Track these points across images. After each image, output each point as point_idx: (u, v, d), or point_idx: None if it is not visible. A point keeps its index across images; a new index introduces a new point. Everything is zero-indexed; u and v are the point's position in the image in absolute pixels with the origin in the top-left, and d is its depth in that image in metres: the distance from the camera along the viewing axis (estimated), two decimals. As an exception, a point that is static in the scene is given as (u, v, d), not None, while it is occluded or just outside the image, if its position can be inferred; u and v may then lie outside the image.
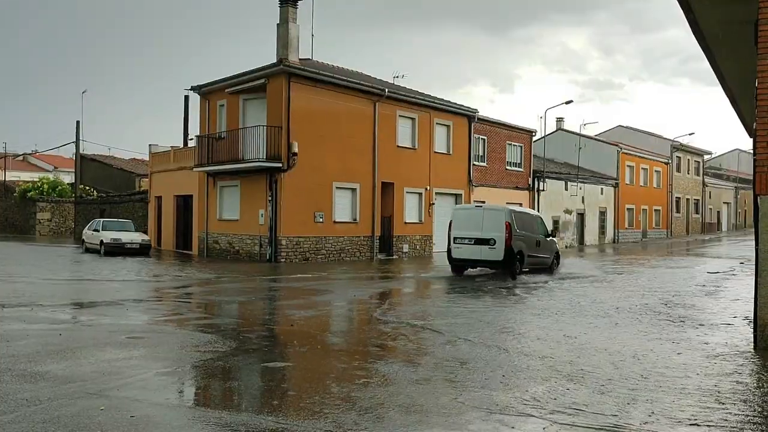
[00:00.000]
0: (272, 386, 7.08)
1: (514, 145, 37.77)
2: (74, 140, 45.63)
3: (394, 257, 29.19)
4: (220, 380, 7.11)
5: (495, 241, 19.72)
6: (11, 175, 67.68)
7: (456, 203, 33.28)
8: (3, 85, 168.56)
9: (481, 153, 35.12)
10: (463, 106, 33.47)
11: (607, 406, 6.06)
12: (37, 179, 51.99)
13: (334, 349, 8.97)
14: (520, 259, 20.25)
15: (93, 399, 6.00)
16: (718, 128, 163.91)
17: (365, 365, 7.89)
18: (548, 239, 22.99)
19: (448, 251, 20.94)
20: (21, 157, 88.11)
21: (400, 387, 6.75)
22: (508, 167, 37.24)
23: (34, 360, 7.54)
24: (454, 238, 20.59)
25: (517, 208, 23.32)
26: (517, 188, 37.80)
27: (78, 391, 6.23)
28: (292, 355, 8.74)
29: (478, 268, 21.31)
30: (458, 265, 20.96)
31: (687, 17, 10.78)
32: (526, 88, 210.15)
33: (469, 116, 33.68)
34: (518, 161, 38.16)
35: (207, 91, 29.10)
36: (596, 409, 5.96)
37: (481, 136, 34.98)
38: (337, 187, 27.01)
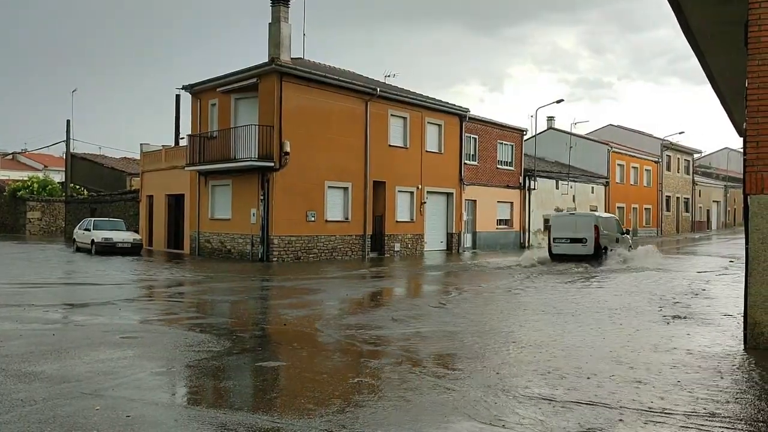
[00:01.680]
0: (266, 385, 7.10)
1: (505, 144, 37.87)
2: (65, 139, 45.46)
3: (386, 256, 29.24)
4: (215, 379, 7.13)
5: (587, 240, 25.14)
6: (1, 174, 67.38)
7: (447, 202, 33.42)
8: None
9: (472, 152, 35.20)
10: (454, 105, 33.54)
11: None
12: (27, 178, 51.75)
13: (327, 348, 9.00)
14: (604, 252, 25.31)
15: (88, 399, 6.02)
16: (707, 127, 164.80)
17: (359, 364, 7.93)
18: (623, 236, 28.02)
19: (549, 248, 26.31)
20: (10, 156, 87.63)
21: (393, 386, 6.79)
22: (499, 166, 37.34)
23: (28, 360, 7.53)
24: (554, 239, 26.07)
25: (601, 214, 29.55)
26: (508, 187, 37.92)
27: (73, 391, 6.24)
28: (285, 354, 8.76)
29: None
30: (557, 259, 25.52)
31: (677, 17, 10.87)
32: (517, 87, 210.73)
33: (460, 115, 33.76)
34: (509, 160, 38.26)
35: (198, 91, 29.05)
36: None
37: (472, 135, 35.06)
38: (329, 186, 27.02)
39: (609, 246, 25.80)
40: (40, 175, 59.57)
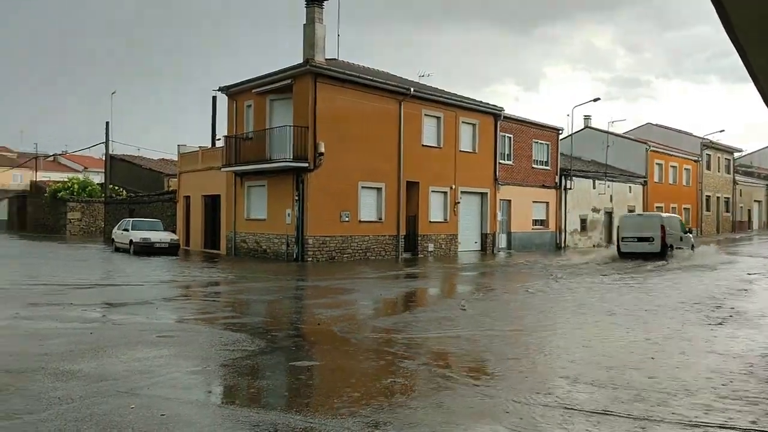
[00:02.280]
0: (300, 385, 7.14)
1: (540, 143, 37.57)
2: (104, 141, 46.18)
3: (419, 256, 29.19)
4: (249, 379, 7.18)
5: (654, 239, 26.63)
6: (42, 176, 68.80)
7: (481, 202, 33.26)
8: (34, 87, 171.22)
9: (507, 151, 34.98)
10: (488, 104, 33.38)
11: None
12: (68, 179, 52.75)
13: (361, 348, 9.01)
14: (670, 250, 26.68)
15: (124, 397, 6.11)
16: (748, 126, 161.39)
17: (393, 364, 7.92)
18: (686, 235, 29.57)
19: (618, 247, 27.91)
20: (51, 158, 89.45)
21: (427, 388, 6.78)
22: (534, 165, 37.05)
23: (67, 358, 7.67)
24: (622, 238, 27.64)
25: (665, 215, 30.32)
26: (543, 186, 37.60)
27: (109, 390, 6.34)
28: (319, 353, 8.80)
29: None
30: (625, 257, 26.85)
31: (718, 13, 10.64)
32: (552, 87, 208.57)
33: (495, 114, 33.57)
34: (545, 159, 37.95)
35: (234, 92, 29.33)
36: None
37: (507, 135, 34.84)
38: (362, 187, 27.07)
39: (674, 244, 27.29)
40: (80, 176, 60.61)
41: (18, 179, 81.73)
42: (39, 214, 52.38)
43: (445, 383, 6.95)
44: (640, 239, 26.91)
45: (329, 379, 7.36)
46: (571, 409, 6.01)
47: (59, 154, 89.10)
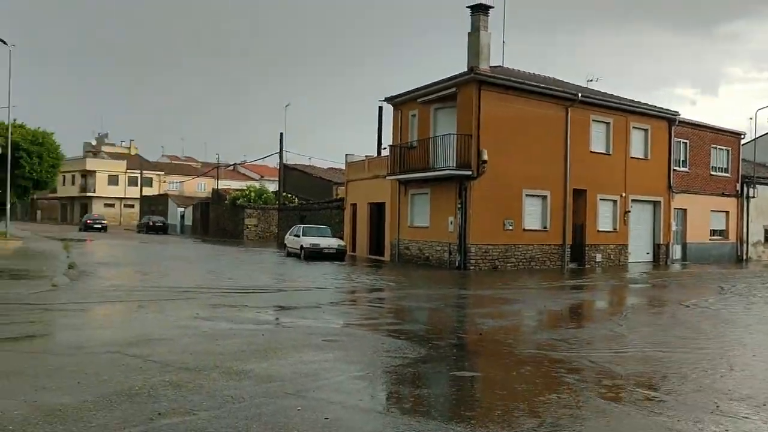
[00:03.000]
0: (461, 395, 7.12)
1: (719, 148, 35.23)
2: (278, 151, 48.63)
3: (586, 267, 28.26)
4: (411, 386, 7.24)
5: None
6: (223, 184, 73.68)
7: (654, 211, 31.77)
8: (216, 102, 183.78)
9: (682, 158, 33.12)
10: (662, 108, 31.78)
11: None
12: (245, 187, 56.13)
13: (523, 361, 8.83)
14: None
15: (291, 399, 6.36)
16: None
17: (556, 378, 7.70)
18: None
19: None
20: (232, 167, 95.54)
21: (592, 404, 6.53)
22: (712, 173, 34.79)
23: (240, 358, 8.11)
24: None
25: None
26: (723, 195, 35.20)
27: (277, 391, 6.63)
28: (480, 364, 8.74)
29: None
30: None
31: None
32: (732, 88, 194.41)
33: (668, 119, 31.90)
34: (724, 166, 35.53)
35: (399, 102, 29.91)
36: None
37: (682, 140, 32.99)
38: (526, 195, 26.64)
39: None
40: (257, 184, 64.27)
41: (202, 187, 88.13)
42: (220, 220, 56.05)
43: (611, 402, 6.66)
44: None
45: (491, 390, 7.27)
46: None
47: (238, 164, 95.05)
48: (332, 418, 5.79)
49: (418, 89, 28.13)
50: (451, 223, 25.94)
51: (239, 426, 5.47)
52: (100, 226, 61.07)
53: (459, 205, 25.51)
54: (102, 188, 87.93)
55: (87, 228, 60.27)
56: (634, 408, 6.44)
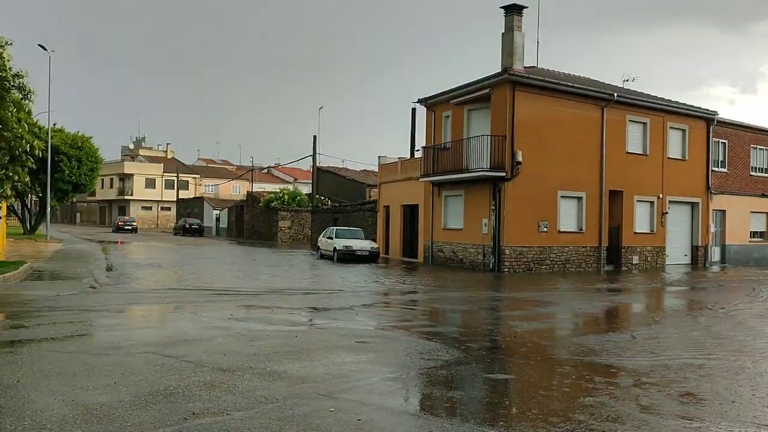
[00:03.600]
0: (494, 398, 7.04)
1: (760, 148, 34.53)
2: (311, 154, 48.86)
3: (623, 269, 27.89)
4: (443, 389, 7.18)
5: None
6: (257, 187, 74.31)
7: (692, 212, 31.28)
8: (250, 105, 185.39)
9: (720, 158, 32.54)
10: (699, 108, 31.26)
11: None
12: (279, 190, 56.47)
13: (558, 364, 8.73)
14: None
15: (323, 400, 6.36)
16: None
17: (592, 383, 7.59)
18: None
19: None
20: (266, 170, 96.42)
21: (629, 410, 6.43)
22: (752, 173, 34.11)
23: (273, 359, 8.14)
24: None
25: None
26: (764, 195, 34.47)
27: (310, 392, 6.63)
28: (514, 367, 8.64)
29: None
30: None
31: None
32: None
33: (706, 119, 31.36)
34: (765, 166, 34.80)
35: (432, 103, 29.84)
36: None
37: (721, 140, 32.41)
38: (561, 196, 26.39)
39: None
40: (290, 187, 64.65)
41: (237, 190, 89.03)
42: (254, 222, 56.49)
43: (649, 406, 6.55)
44: None
45: (524, 394, 7.18)
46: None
47: (272, 167, 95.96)
48: (364, 420, 5.77)
49: (451, 90, 28.04)
50: (485, 225, 25.79)
51: (272, 426, 5.48)
52: (130, 227, 64.61)
53: (493, 207, 25.36)
54: (139, 191, 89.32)
55: (119, 230, 63.11)
56: (671, 416, 6.31)
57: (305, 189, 65.98)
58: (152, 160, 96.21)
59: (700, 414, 6.32)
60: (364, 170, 62.93)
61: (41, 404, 5.95)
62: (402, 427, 5.68)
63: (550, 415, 6.14)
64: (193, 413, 5.77)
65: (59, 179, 43.14)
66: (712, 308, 15.45)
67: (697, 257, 31.35)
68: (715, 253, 32.67)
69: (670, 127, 30.01)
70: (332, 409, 6.03)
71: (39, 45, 38.66)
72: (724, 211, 32.74)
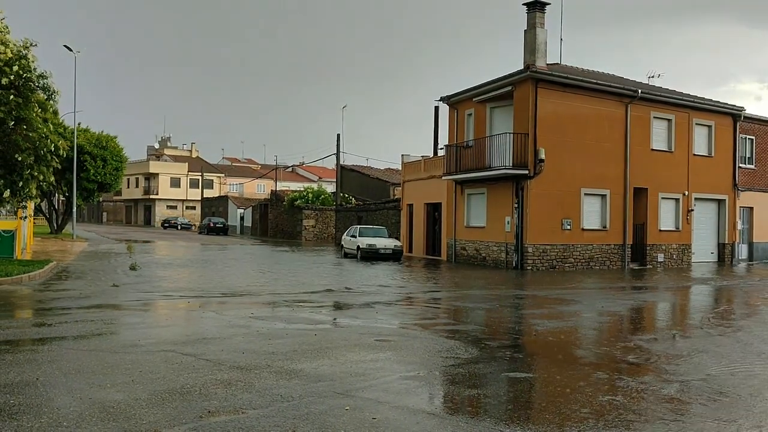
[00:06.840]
0: (514, 396, 6.99)
1: (789, 144, 33.97)
2: (335, 152, 48.95)
3: (648, 267, 27.58)
4: (462, 387, 7.15)
5: None
6: (281, 186, 74.57)
7: (719, 209, 30.87)
8: (278, 105, 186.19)
9: (748, 155, 32.06)
10: (726, 104, 30.82)
11: None
12: (303, 189, 56.61)
13: (579, 362, 8.64)
14: None
15: (340, 398, 6.35)
16: None
17: (613, 380, 7.50)
18: None
19: None
20: (290, 169, 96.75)
21: (651, 405, 6.34)
22: (781, 169, 33.59)
23: (291, 358, 8.15)
24: None
25: None
26: (793, 192, 33.95)
27: (327, 390, 6.63)
28: (534, 365, 8.57)
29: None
30: None
31: None
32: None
33: (733, 115, 30.90)
34: (794, 162, 34.23)
35: (455, 101, 29.73)
36: None
37: (748, 136, 31.94)
38: (585, 194, 26.16)
39: None
40: (315, 186, 64.76)
41: (261, 189, 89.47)
42: (278, 221, 56.71)
43: (672, 405, 6.45)
44: None
45: (544, 392, 7.12)
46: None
47: (297, 166, 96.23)
48: (380, 419, 5.76)
49: (473, 88, 27.91)
50: (508, 222, 25.65)
51: (287, 425, 5.48)
52: (179, 225, 75.62)
53: (516, 205, 25.21)
54: (164, 190, 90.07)
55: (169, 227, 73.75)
56: (698, 414, 6.21)
57: (330, 188, 66.10)
58: (177, 159, 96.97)
59: (726, 413, 6.21)
60: (389, 168, 62.94)
61: (59, 402, 6.01)
62: (417, 426, 5.65)
63: (570, 413, 6.08)
64: (209, 411, 5.80)
65: (84, 179, 43.62)
66: (740, 307, 15.22)
67: (724, 255, 30.93)
68: (742, 251, 32.22)
69: (696, 124, 29.61)
70: (348, 408, 6.03)
71: (65, 46, 39.18)
72: (751, 208, 32.27)
